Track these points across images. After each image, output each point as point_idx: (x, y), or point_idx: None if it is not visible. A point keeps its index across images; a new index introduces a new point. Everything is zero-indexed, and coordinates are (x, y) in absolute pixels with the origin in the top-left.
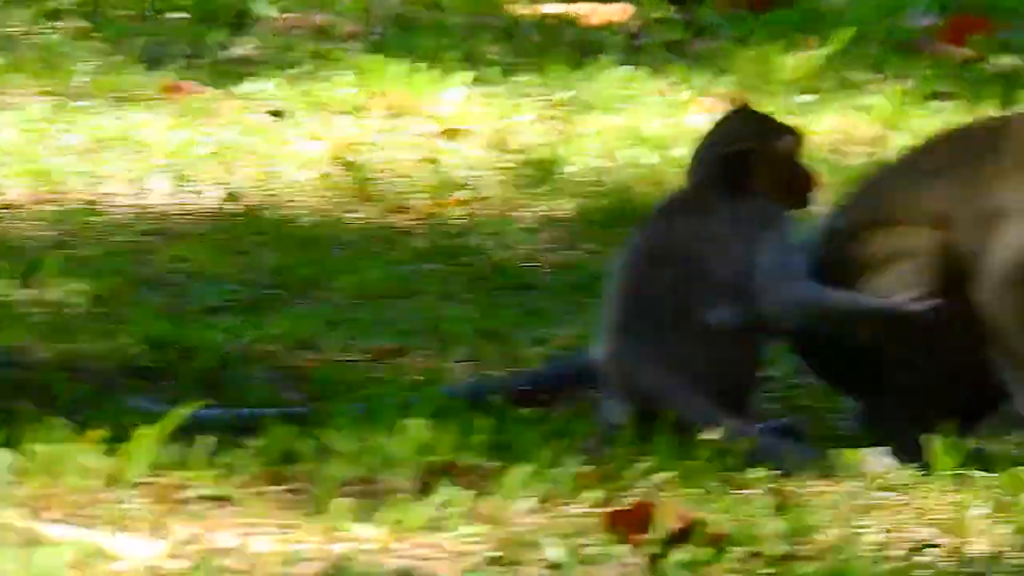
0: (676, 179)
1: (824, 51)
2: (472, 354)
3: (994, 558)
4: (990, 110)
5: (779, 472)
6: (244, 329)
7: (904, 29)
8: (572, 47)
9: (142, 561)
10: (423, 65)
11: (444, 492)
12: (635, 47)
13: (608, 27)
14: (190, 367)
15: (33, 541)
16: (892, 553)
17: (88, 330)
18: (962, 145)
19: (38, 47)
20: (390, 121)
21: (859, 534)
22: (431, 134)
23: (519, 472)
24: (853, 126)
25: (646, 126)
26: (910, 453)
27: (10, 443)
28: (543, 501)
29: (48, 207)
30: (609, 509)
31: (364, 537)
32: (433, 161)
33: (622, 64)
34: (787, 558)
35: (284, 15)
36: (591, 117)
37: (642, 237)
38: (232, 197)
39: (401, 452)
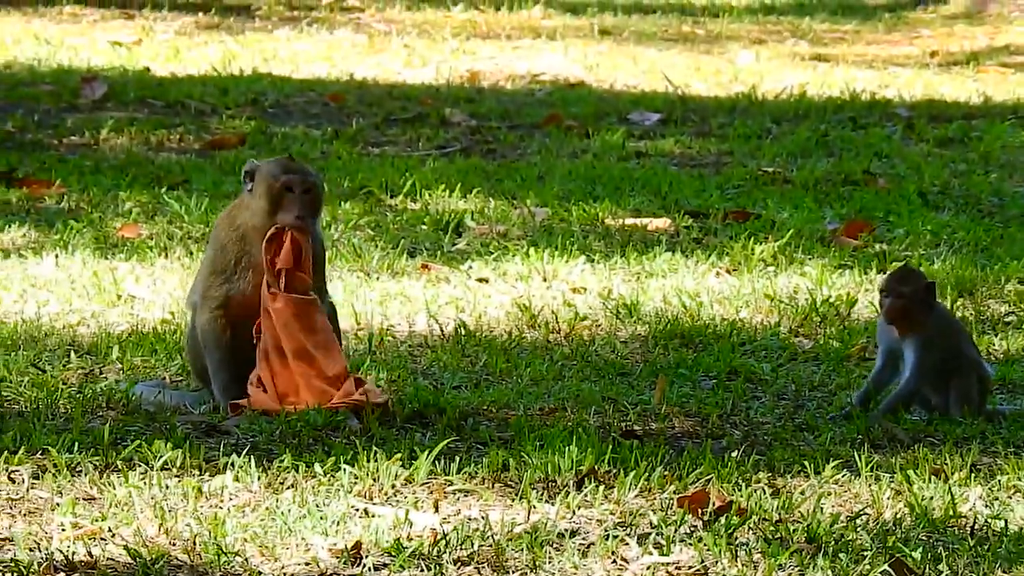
0: (704, 313)
1: (779, 243)
2: (600, 411)
3: None
4: (874, 275)
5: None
6: (472, 398)
7: (823, 230)
8: (640, 241)
9: (426, 525)
10: (558, 253)
11: (589, 485)
12: (674, 242)
13: (658, 230)
14: (443, 419)
15: (367, 515)
16: None
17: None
18: None
19: (351, 244)
20: (543, 283)
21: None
22: (566, 290)
23: (630, 476)
24: (799, 289)
25: (684, 285)
26: None
27: (351, 462)
28: (642, 491)
29: (361, 334)
30: (681, 495)
31: (546, 511)
32: (569, 304)
33: (668, 251)
34: (777, 523)
35: (481, 225)
36: (652, 279)
37: None
38: (461, 324)
39: (564, 463)
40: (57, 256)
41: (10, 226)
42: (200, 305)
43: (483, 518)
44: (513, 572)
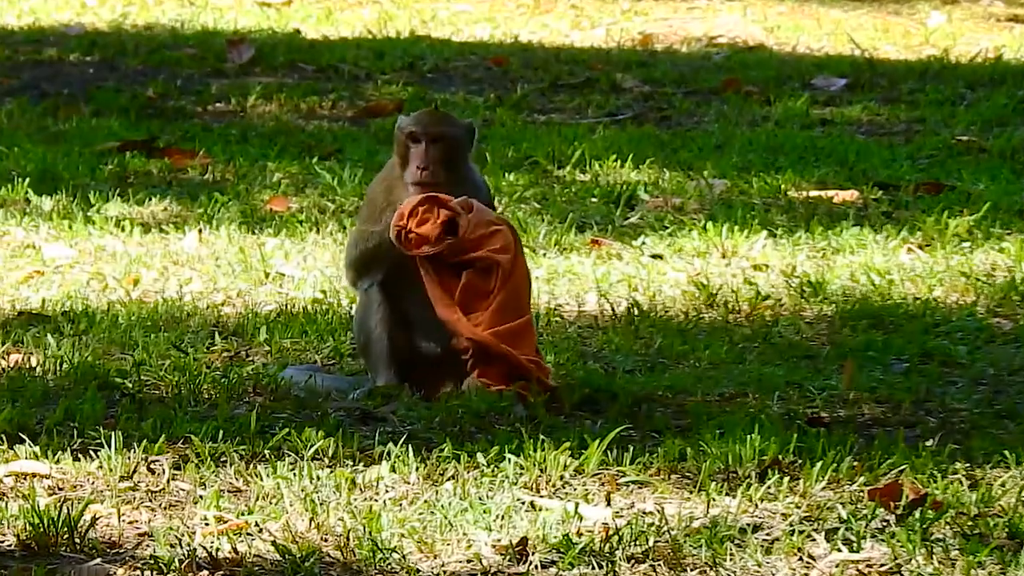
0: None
1: (974, 216)
2: (784, 397)
3: None
4: None
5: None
6: (646, 382)
7: (1021, 202)
8: (825, 215)
9: (597, 520)
10: (737, 228)
11: (773, 476)
12: (862, 216)
13: (845, 203)
14: (615, 405)
15: (534, 508)
16: None
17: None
18: None
19: (515, 218)
20: (722, 260)
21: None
22: (746, 267)
23: (817, 467)
24: (997, 265)
25: (872, 261)
26: None
27: (516, 452)
28: (830, 483)
29: None
30: (872, 487)
31: (726, 504)
32: (749, 282)
33: (855, 225)
34: (976, 517)
35: (655, 197)
36: (839, 256)
37: None
38: (634, 304)
39: (746, 453)
40: (201, 231)
41: (151, 199)
42: (347, 250)
43: (659, 512)
44: (691, 570)
